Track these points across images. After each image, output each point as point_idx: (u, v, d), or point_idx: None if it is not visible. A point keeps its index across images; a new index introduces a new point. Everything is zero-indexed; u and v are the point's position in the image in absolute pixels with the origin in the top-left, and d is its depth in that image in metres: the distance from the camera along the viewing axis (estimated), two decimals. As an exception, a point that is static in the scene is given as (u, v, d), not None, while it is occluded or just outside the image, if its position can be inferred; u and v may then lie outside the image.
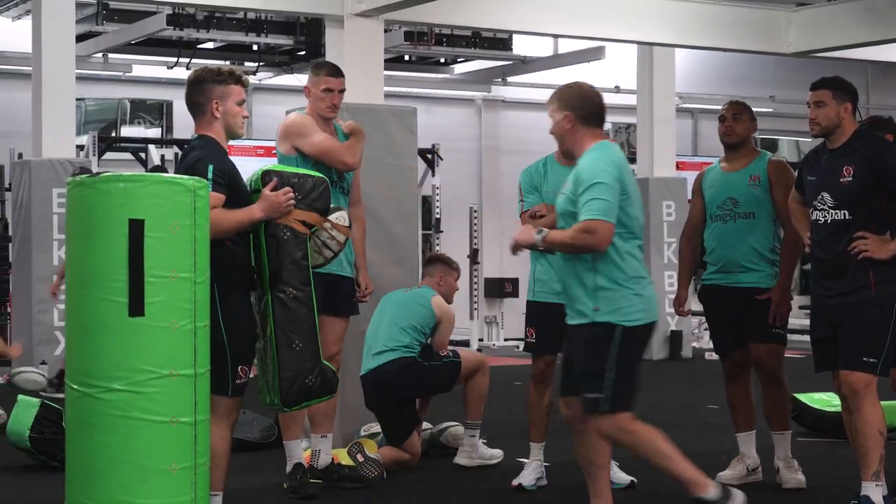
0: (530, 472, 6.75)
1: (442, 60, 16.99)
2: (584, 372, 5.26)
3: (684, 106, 18.14)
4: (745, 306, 6.58)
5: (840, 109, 5.83)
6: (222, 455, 5.11)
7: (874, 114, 6.36)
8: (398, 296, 7.56)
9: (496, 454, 7.46)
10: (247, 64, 15.79)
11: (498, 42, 16.07)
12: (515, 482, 6.72)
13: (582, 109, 5.34)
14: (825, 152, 5.93)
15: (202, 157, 5.06)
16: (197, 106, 5.25)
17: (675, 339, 14.38)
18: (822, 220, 5.83)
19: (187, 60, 15.02)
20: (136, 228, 4.58)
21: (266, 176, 5.28)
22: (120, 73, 15.79)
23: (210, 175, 4.97)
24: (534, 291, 6.80)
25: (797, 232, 6.42)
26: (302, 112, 6.78)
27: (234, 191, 5.12)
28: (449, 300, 7.62)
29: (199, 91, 5.23)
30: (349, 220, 5.70)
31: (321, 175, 5.49)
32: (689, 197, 7.22)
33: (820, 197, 5.84)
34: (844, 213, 5.76)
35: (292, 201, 5.21)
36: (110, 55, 15.45)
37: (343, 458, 7.08)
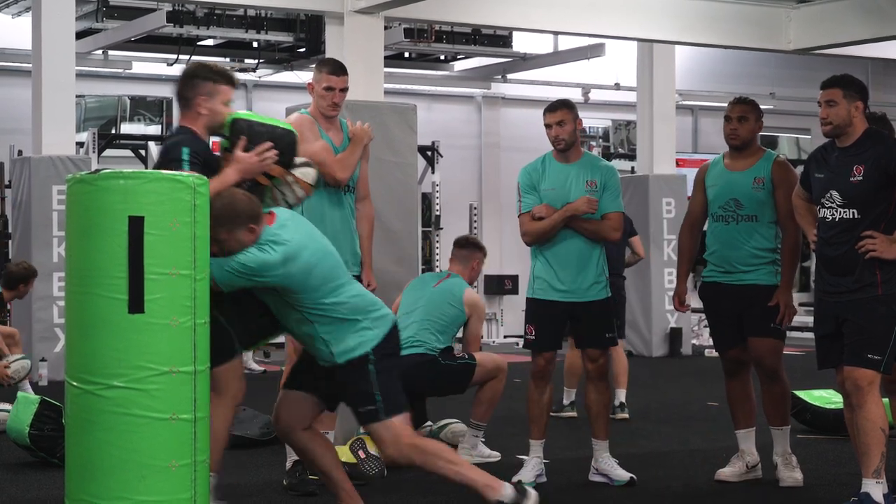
0: (530, 469, 6.75)
1: (442, 57, 16.99)
2: None
3: (684, 103, 18.14)
4: (746, 303, 6.59)
5: (851, 108, 5.81)
6: (222, 436, 5.19)
7: (874, 111, 6.33)
8: (430, 292, 7.57)
9: (494, 455, 7.47)
10: (247, 61, 15.79)
11: (498, 39, 16.08)
12: (515, 479, 6.70)
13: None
14: (834, 150, 5.91)
15: (178, 142, 5.18)
16: (184, 99, 5.34)
17: (675, 336, 14.39)
18: (830, 218, 5.82)
19: (187, 57, 15.01)
20: (136, 225, 4.57)
21: (234, 126, 5.32)
22: (120, 70, 15.79)
23: (185, 156, 5.08)
24: (533, 289, 6.80)
25: (798, 233, 6.42)
26: (304, 112, 6.74)
27: (212, 170, 5.16)
28: (474, 282, 7.76)
29: (189, 85, 5.32)
30: (317, 178, 5.69)
31: (290, 128, 5.52)
32: (689, 193, 7.20)
33: (828, 195, 5.82)
34: (853, 212, 5.75)
35: (270, 159, 5.27)
36: (110, 52, 15.45)
37: (344, 454, 7.08)
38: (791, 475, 6.61)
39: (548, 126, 6.74)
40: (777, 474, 6.65)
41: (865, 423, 5.64)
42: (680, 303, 6.97)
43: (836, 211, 5.79)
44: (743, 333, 6.63)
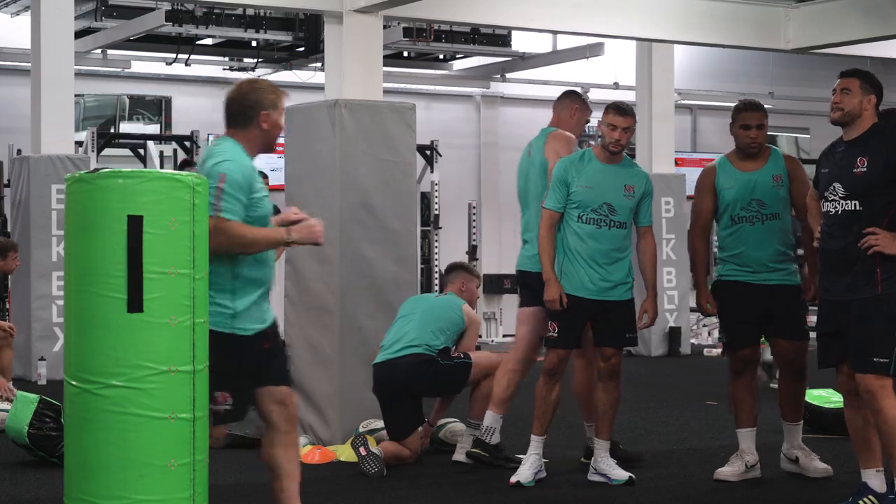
0: (528, 468, 6.75)
1: (441, 57, 16.97)
2: None
3: (683, 102, 18.12)
4: (770, 303, 6.65)
5: (864, 100, 5.82)
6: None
7: (891, 108, 6.36)
8: (430, 300, 7.83)
9: (493, 453, 7.48)
10: (245, 60, 15.78)
11: (497, 38, 16.06)
12: (514, 479, 6.71)
13: None
14: (840, 145, 5.92)
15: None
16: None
17: (674, 335, 14.36)
18: (833, 210, 5.81)
19: (186, 56, 15.02)
20: (135, 225, 4.57)
21: None
22: (119, 70, 15.78)
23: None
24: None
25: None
26: (556, 130, 7.28)
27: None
28: (473, 306, 7.83)
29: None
30: None
31: None
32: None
33: (832, 188, 5.82)
34: (855, 204, 5.73)
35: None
36: (109, 51, 15.44)
37: (345, 451, 7.09)
38: (819, 466, 6.78)
39: (612, 127, 6.76)
40: (800, 465, 6.80)
41: (885, 426, 5.60)
42: (707, 304, 6.89)
43: (839, 203, 5.78)
44: (765, 333, 6.78)
